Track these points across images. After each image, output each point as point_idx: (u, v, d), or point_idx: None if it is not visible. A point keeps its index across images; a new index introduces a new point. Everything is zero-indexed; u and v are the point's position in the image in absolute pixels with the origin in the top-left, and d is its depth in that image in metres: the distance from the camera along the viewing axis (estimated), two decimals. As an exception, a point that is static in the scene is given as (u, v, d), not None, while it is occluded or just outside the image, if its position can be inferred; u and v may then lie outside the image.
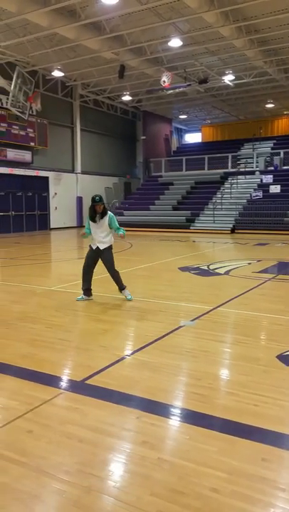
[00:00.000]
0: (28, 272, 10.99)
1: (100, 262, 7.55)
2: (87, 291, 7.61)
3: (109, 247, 7.49)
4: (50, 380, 4.20)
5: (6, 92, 20.63)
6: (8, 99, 20.26)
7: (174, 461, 2.88)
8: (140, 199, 29.45)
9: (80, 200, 29.10)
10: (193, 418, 3.47)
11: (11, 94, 19.28)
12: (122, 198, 31.53)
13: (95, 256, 7.52)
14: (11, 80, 19.26)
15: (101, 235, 7.38)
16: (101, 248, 7.42)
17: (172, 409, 3.63)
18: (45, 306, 7.29)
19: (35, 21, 16.75)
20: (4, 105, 22.84)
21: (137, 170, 34.71)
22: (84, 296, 7.59)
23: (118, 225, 7.45)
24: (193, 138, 41.47)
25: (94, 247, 7.47)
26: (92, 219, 7.37)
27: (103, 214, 7.35)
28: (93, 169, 30.40)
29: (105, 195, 30.76)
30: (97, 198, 7.30)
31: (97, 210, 7.31)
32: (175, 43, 19.55)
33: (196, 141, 40.00)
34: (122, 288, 7.59)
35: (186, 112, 36.12)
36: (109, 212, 7.43)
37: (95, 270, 7.61)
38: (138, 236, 21.74)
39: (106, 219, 7.34)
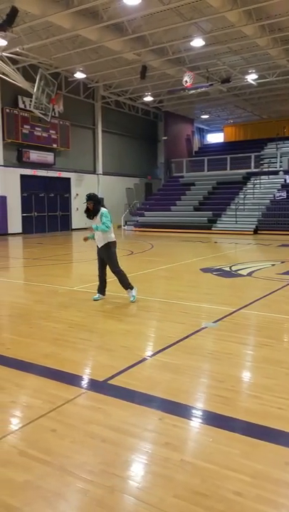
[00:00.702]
0: (50, 272, 11.07)
1: None
2: (100, 289, 7.69)
3: (107, 245, 7.46)
4: (73, 380, 4.23)
5: (29, 95, 20.85)
6: (31, 101, 20.49)
7: (196, 463, 2.87)
8: (161, 200, 29.43)
9: (101, 201, 29.18)
10: (216, 420, 3.45)
11: (34, 96, 19.48)
12: (143, 198, 31.55)
13: (99, 254, 7.63)
14: (34, 83, 19.45)
15: (98, 233, 7.46)
16: (99, 246, 7.54)
17: (195, 411, 3.61)
18: (67, 305, 7.34)
19: (58, 23, 16.87)
20: (27, 107, 23.12)
21: (158, 170, 34.69)
22: (99, 295, 7.67)
23: (107, 223, 7.30)
24: (215, 138, 41.28)
25: (98, 246, 7.60)
26: (87, 217, 7.54)
27: (95, 212, 7.41)
28: (114, 170, 30.50)
29: (126, 196, 30.85)
30: (87, 196, 7.46)
31: (89, 208, 7.44)
32: (197, 42, 19.48)
33: (218, 141, 39.79)
34: (126, 287, 7.54)
35: (208, 112, 35.96)
36: (103, 209, 7.47)
37: (127, 271, 7.59)
38: (159, 237, 21.73)
39: (98, 216, 7.41)
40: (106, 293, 7.74)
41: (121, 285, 7.54)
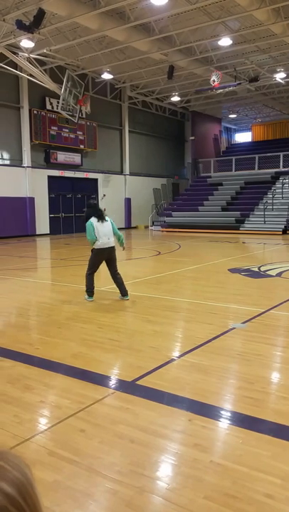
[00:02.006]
0: (77, 273, 11.13)
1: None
2: (120, 292, 7.80)
3: (91, 250, 7.70)
4: (101, 380, 4.23)
5: (56, 96, 21.06)
6: (58, 102, 20.68)
7: (226, 465, 2.83)
8: (188, 200, 29.32)
9: (128, 201, 29.32)
10: (246, 422, 3.40)
11: (61, 97, 19.65)
12: (171, 199, 31.49)
13: None
14: (62, 84, 19.63)
15: None
16: None
17: (224, 413, 3.57)
18: (95, 306, 7.37)
19: (85, 24, 16.97)
20: (55, 109, 23.36)
21: (186, 171, 34.57)
22: (119, 296, 7.80)
23: (87, 236, 7.55)
24: (243, 137, 40.92)
25: None
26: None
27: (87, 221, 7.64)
28: (141, 170, 30.54)
29: (154, 197, 30.84)
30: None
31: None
32: (225, 42, 19.33)
33: (246, 140, 39.43)
34: (86, 289, 7.75)
35: (236, 111, 35.67)
36: (90, 220, 7.55)
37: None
38: (186, 237, 21.66)
39: None
40: (134, 293, 7.75)
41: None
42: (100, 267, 7.78)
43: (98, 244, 7.48)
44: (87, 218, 7.57)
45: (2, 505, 0.65)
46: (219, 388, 4.03)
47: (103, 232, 7.46)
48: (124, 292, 7.68)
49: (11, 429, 3.31)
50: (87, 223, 7.51)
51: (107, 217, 7.66)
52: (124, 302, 7.56)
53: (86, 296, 7.73)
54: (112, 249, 7.60)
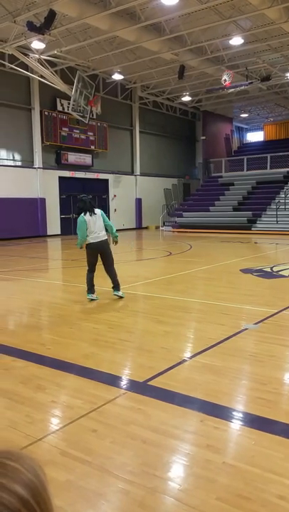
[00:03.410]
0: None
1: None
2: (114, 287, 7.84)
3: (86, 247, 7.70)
4: (113, 380, 4.23)
5: (67, 97, 21.13)
6: (69, 103, 20.75)
7: (239, 466, 2.81)
8: (199, 200, 29.25)
9: (139, 201, 29.33)
10: (259, 423, 3.38)
11: (72, 98, 19.71)
12: (181, 199, 31.45)
13: None
14: (72, 85, 19.70)
15: None
16: None
17: (236, 414, 3.54)
18: (106, 306, 7.38)
19: (96, 25, 17.01)
20: (66, 110, 23.44)
21: (197, 171, 34.50)
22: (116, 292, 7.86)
23: (78, 232, 7.60)
24: (255, 137, 40.73)
25: None
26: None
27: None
28: (152, 171, 30.54)
29: (164, 197, 30.81)
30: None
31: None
32: (236, 41, 19.28)
33: (258, 139, 39.22)
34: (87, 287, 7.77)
35: (248, 111, 35.54)
36: (81, 216, 7.57)
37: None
38: (198, 238, 21.60)
39: None
40: (145, 294, 7.74)
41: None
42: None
43: (89, 240, 7.51)
44: (79, 214, 7.58)
45: (16, 508, 0.65)
46: (231, 389, 4.01)
47: (94, 226, 7.49)
48: (117, 286, 7.75)
49: (23, 428, 3.32)
50: (79, 219, 7.53)
51: (96, 210, 7.63)
52: (134, 303, 7.55)
53: (87, 295, 7.74)
54: (104, 242, 7.60)
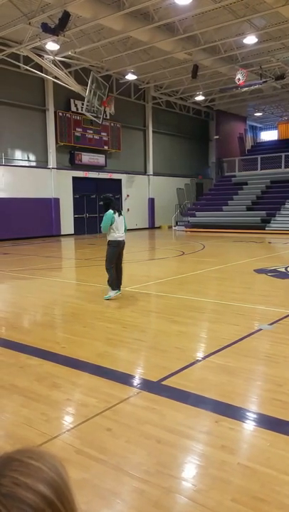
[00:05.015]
0: (101, 273, 11.11)
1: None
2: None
3: (108, 243, 7.80)
4: (127, 379, 4.24)
5: (81, 98, 21.20)
6: (83, 104, 20.82)
7: (254, 468, 2.80)
8: (213, 200, 29.14)
9: (152, 201, 29.33)
10: (274, 424, 3.36)
11: (85, 99, 19.77)
12: (194, 199, 31.37)
13: None
14: (86, 86, 19.76)
15: None
16: None
17: (251, 415, 3.53)
18: (119, 306, 7.39)
19: (109, 26, 17.04)
20: (79, 110, 23.51)
21: (210, 170, 34.39)
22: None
23: (102, 224, 7.71)
24: (269, 136, 40.43)
25: None
26: None
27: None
28: (165, 171, 30.51)
29: (177, 197, 30.76)
30: (101, 198, 7.97)
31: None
32: (250, 40, 19.16)
33: (272, 138, 38.94)
34: (109, 284, 7.77)
35: (262, 110, 35.31)
36: (109, 211, 7.68)
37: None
38: (211, 237, 21.54)
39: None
40: (158, 294, 7.74)
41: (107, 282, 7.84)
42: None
43: (116, 237, 7.68)
44: (107, 208, 7.72)
45: (40, 509, 0.64)
46: (246, 390, 4.00)
47: (121, 225, 7.73)
48: (120, 283, 7.90)
49: (38, 426, 3.35)
50: (108, 213, 7.67)
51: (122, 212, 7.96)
52: (148, 302, 7.55)
53: (111, 292, 7.73)
54: (124, 242, 7.90)
